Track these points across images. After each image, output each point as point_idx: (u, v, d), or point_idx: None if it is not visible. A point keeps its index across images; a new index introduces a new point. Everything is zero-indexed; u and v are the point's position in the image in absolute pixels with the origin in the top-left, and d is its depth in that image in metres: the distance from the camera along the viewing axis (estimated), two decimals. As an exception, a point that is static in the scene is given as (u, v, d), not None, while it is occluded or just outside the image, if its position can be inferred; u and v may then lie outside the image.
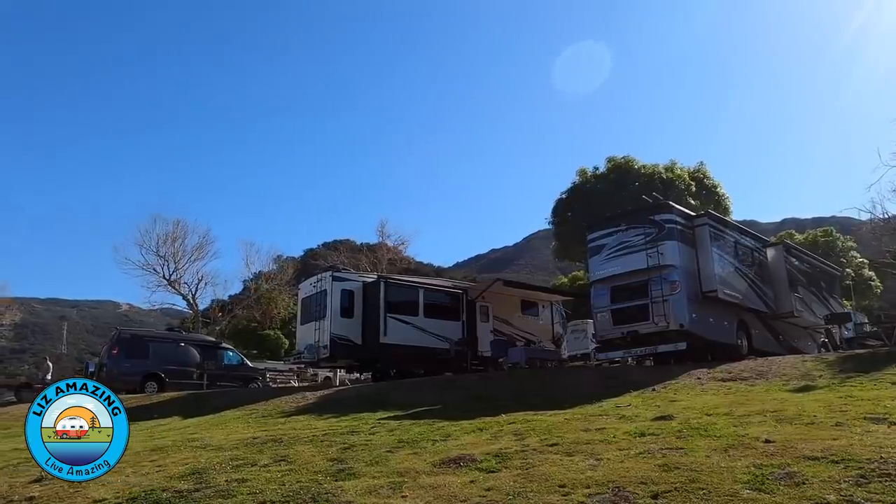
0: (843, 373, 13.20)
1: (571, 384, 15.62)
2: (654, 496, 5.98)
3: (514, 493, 6.34)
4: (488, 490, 6.56)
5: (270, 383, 29.83)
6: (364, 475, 7.66)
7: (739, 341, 18.57)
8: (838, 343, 20.74)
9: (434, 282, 27.29)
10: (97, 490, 7.90)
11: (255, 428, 12.90)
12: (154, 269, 39.38)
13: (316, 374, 31.01)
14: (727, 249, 18.85)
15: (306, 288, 24.24)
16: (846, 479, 5.85)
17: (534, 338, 25.93)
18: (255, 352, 44.65)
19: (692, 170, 40.63)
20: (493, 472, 7.38)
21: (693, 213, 19.51)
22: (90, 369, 26.37)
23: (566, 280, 47.48)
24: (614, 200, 32.91)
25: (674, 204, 19.23)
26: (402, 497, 6.67)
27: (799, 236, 48.27)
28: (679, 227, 17.81)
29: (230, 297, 47.89)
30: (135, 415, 15.56)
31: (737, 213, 41.39)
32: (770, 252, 21.51)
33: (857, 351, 16.25)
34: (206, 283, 41.60)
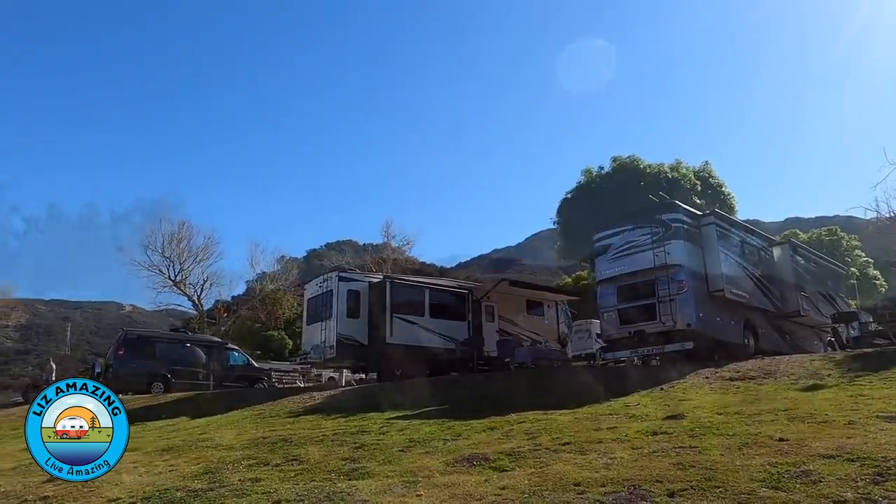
0: (852, 372, 13.18)
1: (578, 384, 15.61)
2: (671, 494, 5.99)
3: (530, 492, 6.35)
4: (503, 489, 6.58)
5: (276, 384, 29.87)
6: (377, 474, 7.68)
7: (746, 341, 18.55)
8: (845, 342, 20.71)
9: (439, 282, 27.30)
10: (111, 489, 7.93)
11: (265, 428, 12.92)
12: (160, 270, 39.47)
13: (320, 375, 31.05)
14: (734, 249, 18.83)
15: (312, 288, 24.28)
16: (863, 478, 5.85)
17: (539, 338, 25.93)
18: (258, 352, 44.70)
19: (697, 169, 40.60)
20: (506, 470, 7.40)
21: (699, 213, 19.50)
22: (96, 370, 26.43)
23: (570, 280, 47.46)
24: (620, 200, 32.88)
25: (680, 203, 19.21)
26: (418, 496, 6.68)
27: (803, 235, 48.20)
28: (685, 226, 17.80)
29: (233, 297, 47.90)
30: (143, 415, 15.62)
31: (740, 213, 41.34)
32: (776, 251, 21.49)
33: (865, 350, 16.22)
34: (211, 284, 41.67)
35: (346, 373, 27.60)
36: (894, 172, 21.87)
